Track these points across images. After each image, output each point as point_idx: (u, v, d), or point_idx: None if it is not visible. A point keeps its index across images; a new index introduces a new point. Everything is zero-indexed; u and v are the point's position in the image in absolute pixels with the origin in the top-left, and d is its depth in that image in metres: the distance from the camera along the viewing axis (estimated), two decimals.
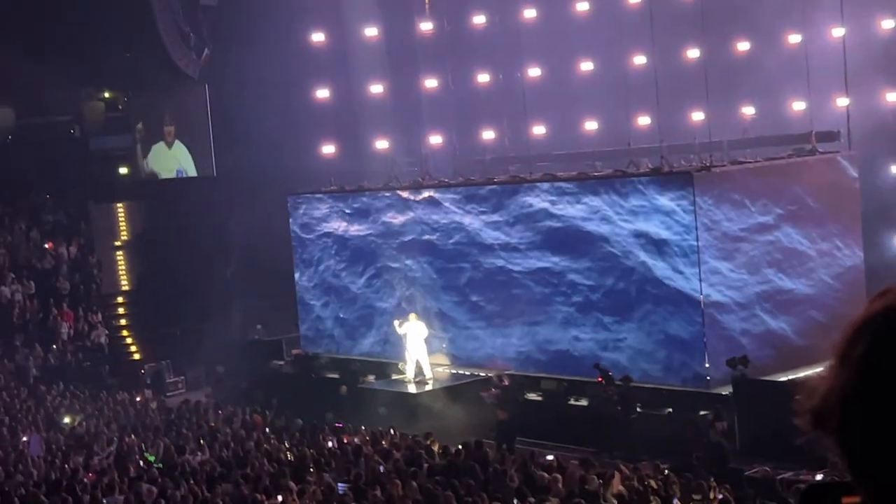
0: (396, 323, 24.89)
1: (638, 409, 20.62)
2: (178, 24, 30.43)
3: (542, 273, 23.70)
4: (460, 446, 18.17)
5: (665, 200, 21.43)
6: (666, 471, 16.48)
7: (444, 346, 25.53)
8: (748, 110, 24.65)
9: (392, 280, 26.94)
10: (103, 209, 35.62)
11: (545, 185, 23.79)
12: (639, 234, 21.89)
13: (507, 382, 23.39)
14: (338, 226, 28.20)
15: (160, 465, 19.49)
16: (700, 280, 20.90)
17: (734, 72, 25.01)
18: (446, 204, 25.72)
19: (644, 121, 25.22)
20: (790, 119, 24.34)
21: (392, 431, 21.00)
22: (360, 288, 27.73)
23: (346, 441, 20.38)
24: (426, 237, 26.09)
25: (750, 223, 21.60)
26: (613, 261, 22.39)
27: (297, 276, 29.30)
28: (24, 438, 23.24)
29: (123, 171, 37.77)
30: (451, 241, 25.62)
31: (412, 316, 24.88)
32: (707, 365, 20.85)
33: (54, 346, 31.80)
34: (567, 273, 23.24)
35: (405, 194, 26.76)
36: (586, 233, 22.79)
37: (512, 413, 21.60)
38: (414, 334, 24.70)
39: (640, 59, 25.64)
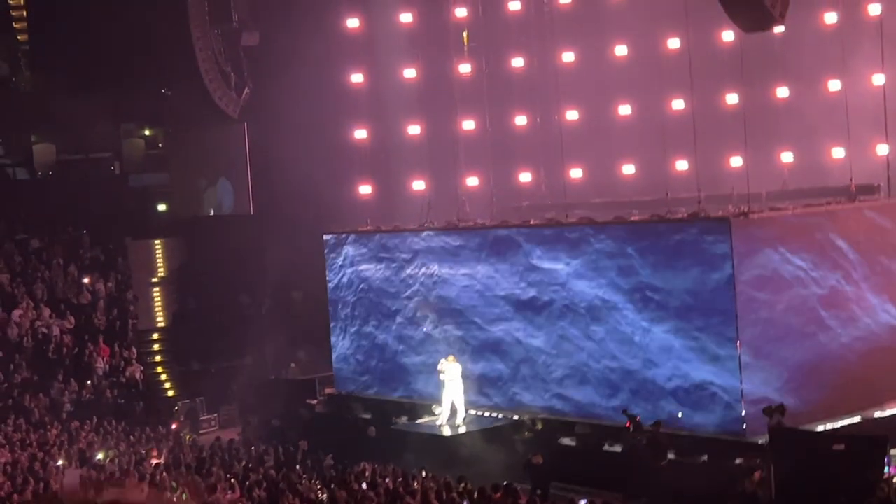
0: (441, 364, 24.81)
1: (670, 456, 20.42)
2: (219, 63, 30.70)
3: (576, 317, 23.62)
4: (495, 491, 18.01)
5: (703, 245, 21.31)
6: None
7: (478, 389, 25.42)
8: (787, 157, 24.48)
9: (427, 322, 26.86)
10: (141, 245, 35.87)
11: (587, 229, 23.67)
12: (677, 277, 21.75)
13: (540, 426, 23.24)
14: (373, 266, 28.19)
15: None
16: (737, 327, 20.73)
17: (773, 118, 24.89)
18: (479, 248, 25.71)
19: (682, 166, 25.13)
20: (829, 167, 24.19)
21: (424, 474, 20.87)
22: (394, 328, 27.68)
23: (378, 482, 20.26)
24: (462, 281, 26.03)
25: (788, 270, 21.42)
26: (643, 300, 22.26)
27: (331, 314, 29.30)
28: (59, 471, 23.29)
29: (162, 207, 38.07)
30: (481, 286, 25.57)
31: (450, 358, 24.82)
32: (743, 413, 20.62)
33: (89, 382, 31.92)
34: (603, 316, 23.13)
35: (441, 235, 26.76)
36: (623, 274, 22.73)
37: (545, 457, 21.42)
38: (451, 376, 24.62)
39: (678, 104, 25.59)
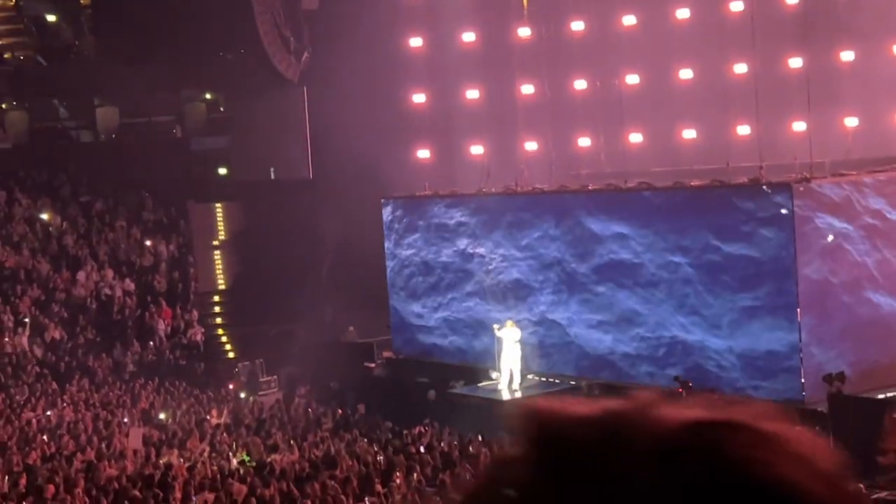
0: (495, 327, 24.86)
1: None
2: (279, 27, 30.79)
3: (641, 277, 23.52)
4: None
5: (764, 211, 21.12)
6: None
7: (536, 352, 25.43)
8: (851, 122, 24.08)
9: (486, 284, 26.90)
10: (202, 209, 36.21)
11: (646, 194, 23.55)
12: (735, 240, 21.58)
13: (597, 393, 23.23)
14: (432, 229, 28.24)
15: (252, 464, 19.72)
16: (797, 294, 20.54)
17: (837, 82, 24.49)
18: (537, 214, 25.66)
19: (743, 130, 24.82)
20: (894, 133, 23.77)
21: (480, 438, 20.97)
22: (453, 292, 27.74)
23: (434, 446, 20.41)
24: (523, 242, 26.03)
25: (850, 237, 21.17)
26: (705, 264, 22.12)
27: (388, 278, 29.42)
28: (122, 430, 23.67)
29: (222, 171, 38.36)
30: (544, 247, 25.54)
31: (508, 322, 24.83)
32: (803, 380, 20.47)
33: (151, 343, 32.37)
34: (663, 282, 23.02)
35: (499, 200, 26.76)
36: (691, 235, 22.59)
37: None
38: (509, 341, 24.65)
39: (740, 68, 25.24)
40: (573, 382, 24.32)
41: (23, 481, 18.90)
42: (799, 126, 23.70)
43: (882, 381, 20.30)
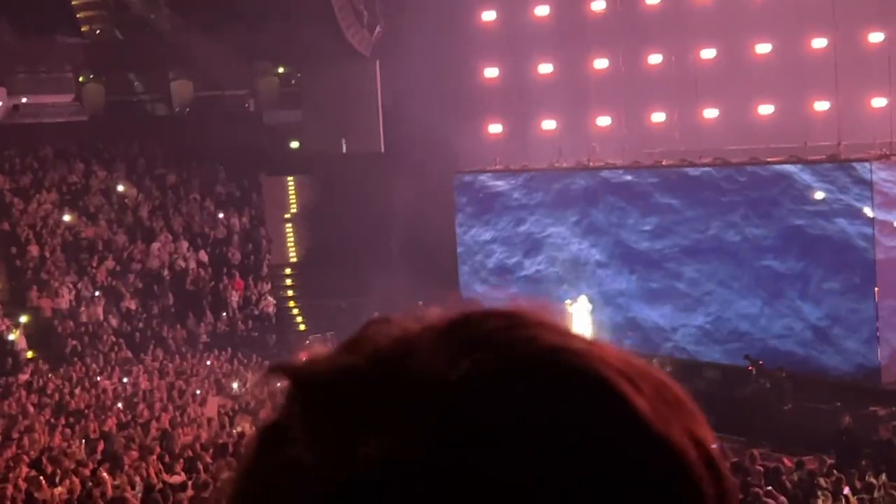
0: (568, 303, 24.77)
1: (804, 403, 20.11)
2: (352, 1, 30.83)
3: (713, 252, 23.31)
4: None
5: (842, 188, 20.79)
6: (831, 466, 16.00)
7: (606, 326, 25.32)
8: None
9: (559, 260, 26.81)
10: (274, 182, 36.46)
11: (715, 170, 23.35)
12: (813, 216, 21.29)
13: (668, 369, 23.05)
14: (504, 205, 28.19)
15: None
16: (875, 272, 20.22)
17: None
18: (610, 190, 25.50)
19: (822, 106, 24.42)
20: None
21: None
22: (525, 267, 27.70)
23: None
24: (592, 219, 25.91)
25: None
26: (782, 242, 21.85)
27: (460, 253, 29.42)
28: (196, 399, 23.99)
29: (294, 145, 38.56)
30: (612, 219, 25.40)
31: (581, 298, 24.71)
32: (880, 360, 20.16)
33: (224, 314, 32.71)
34: (738, 259, 22.79)
35: (570, 175, 26.64)
36: (765, 212, 22.34)
37: None
38: (581, 315, 24.53)
39: (819, 42, 24.82)
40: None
41: (100, 447, 19.23)
42: (879, 102, 23.26)
43: None
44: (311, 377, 0.95)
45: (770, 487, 13.72)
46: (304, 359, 0.97)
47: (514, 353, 0.90)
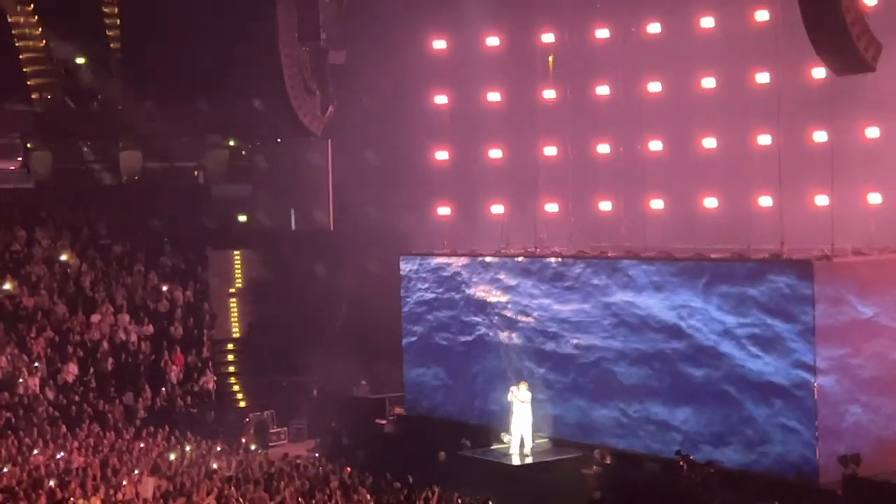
0: (512, 391, 24.69)
1: (742, 500, 20.15)
2: (305, 80, 30.94)
3: (639, 355, 23.47)
4: None
5: (784, 287, 21.00)
6: None
7: (545, 418, 25.27)
8: (874, 198, 23.93)
9: (498, 348, 26.81)
10: (220, 256, 36.28)
11: (653, 267, 23.58)
12: (753, 316, 21.48)
13: (609, 460, 23.03)
14: (448, 288, 28.20)
15: None
16: (815, 371, 20.37)
17: (861, 158, 24.37)
18: (558, 271, 25.63)
19: (765, 202, 24.71)
20: None
21: (489, 503, 20.77)
22: (467, 352, 27.64)
23: None
24: (533, 308, 25.98)
25: (871, 317, 21.01)
26: (722, 340, 22.00)
27: (404, 334, 29.35)
28: (134, 477, 23.51)
29: (242, 218, 38.46)
30: (554, 309, 25.50)
31: (522, 384, 24.70)
32: (818, 460, 20.23)
33: (163, 389, 32.28)
34: (664, 358, 22.94)
35: (516, 261, 26.76)
36: (687, 317, 22.54)
37: (611, 493, 21.24)
38: (520, 403, 24.49)
39: (764, 139, 25.18)
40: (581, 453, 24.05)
41: None
42: (822, 200, 23.56)
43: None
44: None
45: None
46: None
47: None
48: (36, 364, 31.29)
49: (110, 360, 32.46)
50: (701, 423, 22.43)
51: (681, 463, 21.19)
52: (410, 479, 22.61)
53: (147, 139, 38.36)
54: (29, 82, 39.70)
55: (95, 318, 33.36)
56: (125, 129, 38.29)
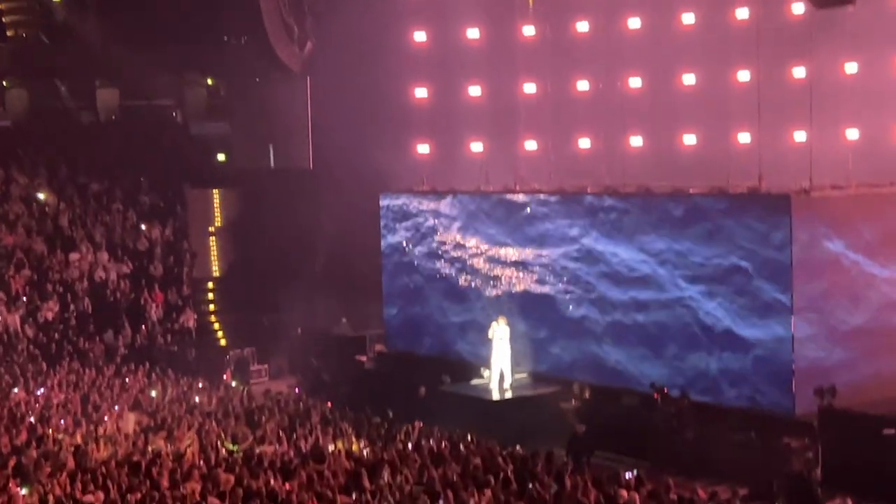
0: (492, 327, 24.79)
1: (717, 433, 20.40)
2: (283, 16, 30.72)
3: (614, 294, 23.58)
4: (535, 459, 18.05)
5: (762, 221, 21.12)
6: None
7: (526, 354, 25.43)
8: (851, 134, 24.04)
9: (479, 284, 26.91)
10: (199, 194, 36.16)
11: (637, 200, 23.66)
12: (732, 255, 21.60)
13: (588, 394, 23.24)
14: (428, 226, 28.25)
15: (239, 454, 19.66)
16: (792, 304, 20.55)
17: (839, 92, 24.43)
18: (534, 207, 25.70)
19: (744, 139, 24.78)
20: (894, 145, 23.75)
21: (469, 437, 20.94)
22: (447, 288, 27.74)
23: (423, 444, 20.38)
24: (515, 244, 26.08)
25: (847, 249, 21.17)
26: (702, 274, 22.14)
27: (384, 272, 29.42)
28: (114, 413, 23.61)
29: (221, 157, 38.30)
30: (536, 244, 25.58)
31: (501, 319, 24.81)
32: (794, 392, 20.47)
33: (143, 327, 32.32)
34: (639, 297, 23.06)
35: (495, 198, 26.80)
36: (675, 242, 22.63)
37: (591, 425, 21.45)
38: (499, 338, 24.63)
39: (744, 75, 25.19)
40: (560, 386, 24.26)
41: (11, 462, 18.84)
42: (800, 136, 23.63)
43: (873, 397, 20.34)
44: None
45: None
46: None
47: None
48: (16, 301, 31.26)
49: (89, 298, 32.45)
50: (677, 360, 22.60)
51: (655, 396, 21.47)
52: (391, 414, 22.82)
53: (124, 77, 38.03)
54: (4, 19, 39.25)
55: (74, 256, 33.30)
56: (102, 67, 37.94)
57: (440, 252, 27.94)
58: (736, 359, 21.57)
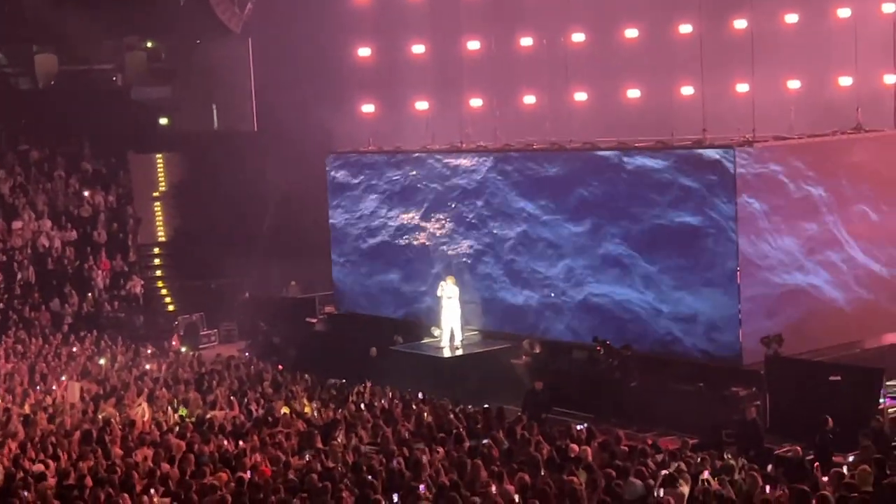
0: (441, 286, 24.81)
1: (667, 384, 20.60)
2: None
3: (572, 238, 23.65)
4: (486, 415, 18.15)
5: (706, 172, 21.24)
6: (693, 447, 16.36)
7: (476, 310, 25.48)
8: (793, 85, 24.22)
9: (427, 242, 26.89)
10: (142, 159, 35.79)
11: (582, 154, 23.72)
12: (677, 205, 21.72)
13: (538, 350, 23.34)
14: (374, 186, 28.16)
15: (191, 420, 19.61)
16: (738, 255, 20.72)
17: (780, 43, 24.60)
18: (481, 168, 25.68)
19: (687, 91, 24.89)
20: (836, 95, 23.96)
21: (421, 395, 21.01)
22: (395, 249, 27.71)
23: (375, 404, 20.43)
24: (461, 200, 26.06)
25: (791, 200, 21.37)
26: (647, 229, 22.25)
27: (332, 234, 29.32)
28: (62, 383, 23.44)
29: (164, 121, 37.88)
30: (481, 205, 25.58)
31: (449, 279, 24.84)
32: (741, 341, 20.69)
33: (90, 295, 32.03)
34: (599, 239, 23.15)
35: (441, 157, 26.74)
36: (621, 198, 22.72)
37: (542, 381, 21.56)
38: (449, 298, 24.67)
39: (685, 28, 25.26)
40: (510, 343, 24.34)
41: None
42: (743, 87, 23.77)
43: (816, 344, 20.64)
44: None
45: (639, 468, 13.99)
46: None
47: None
48: None
49: (34, 266, 32.09)
50: (628, 310, 22.74)
51: (598, 348, 21.64)
52: (344, 380, 22.86)
53: (62, 42, 37.40)
54: None
55: (17, 224, 32.87)
56: (40, 31, 37.27)
57: (387, 212, 27.85)
58: (683, 310, 21.73)
